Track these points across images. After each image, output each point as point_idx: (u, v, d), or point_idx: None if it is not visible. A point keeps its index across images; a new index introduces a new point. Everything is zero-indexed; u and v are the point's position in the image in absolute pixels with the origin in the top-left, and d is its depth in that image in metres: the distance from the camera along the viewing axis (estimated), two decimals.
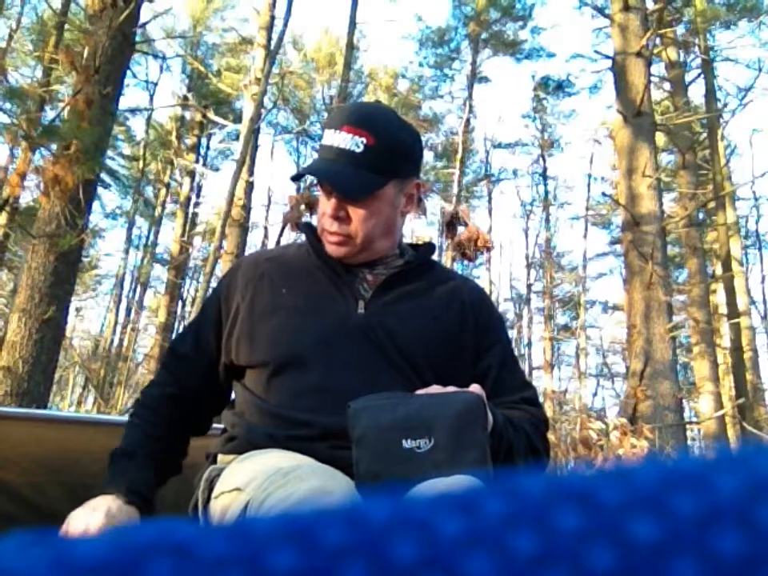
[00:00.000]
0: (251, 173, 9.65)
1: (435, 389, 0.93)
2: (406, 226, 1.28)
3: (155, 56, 11.01)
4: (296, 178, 1.18)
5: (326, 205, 1.10)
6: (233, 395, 1.18)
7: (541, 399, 1.20)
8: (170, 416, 1.16)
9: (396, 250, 1.19)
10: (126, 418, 1.25)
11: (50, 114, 7.66)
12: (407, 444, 0.82)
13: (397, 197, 1.13)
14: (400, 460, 0.82)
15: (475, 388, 0.93)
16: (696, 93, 13.09)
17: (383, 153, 1.08)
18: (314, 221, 1.22)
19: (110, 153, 12.03)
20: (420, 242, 1.26)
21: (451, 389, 0.91)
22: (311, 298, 1.10)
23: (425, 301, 1.14)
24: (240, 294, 1.15)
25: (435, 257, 1.27)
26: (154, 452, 1.10)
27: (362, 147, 1.06)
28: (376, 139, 1.07)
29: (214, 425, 1.26)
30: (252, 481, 0.87)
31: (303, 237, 1.24)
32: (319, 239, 1.18)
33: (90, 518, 0.99)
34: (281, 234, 5.68)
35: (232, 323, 1.14)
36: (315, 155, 1.14)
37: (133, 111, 13.96)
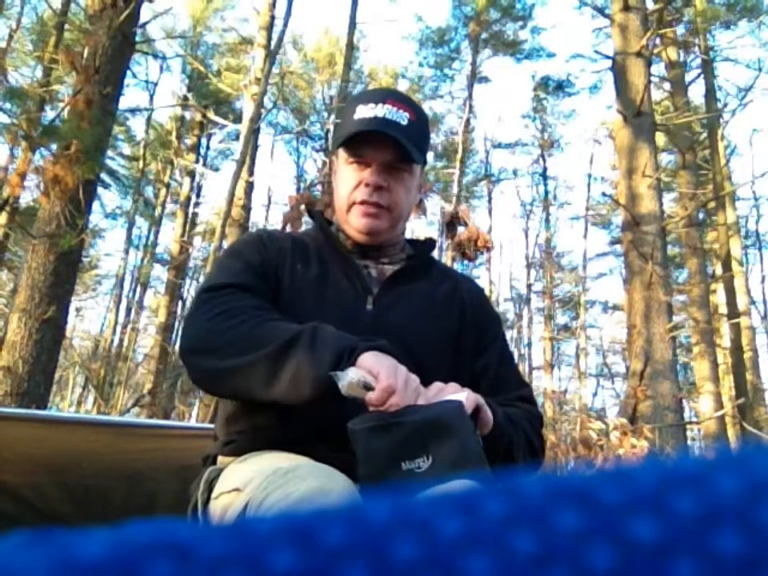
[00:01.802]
0: (251, 173, 9.65)
1: (436, 387, 0.92)
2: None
3: (155, 56, 11.01)
4: (344, 143, 1.08)
5: (362, 176, 1.09)
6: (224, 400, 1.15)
7: (541, 399, 1.20)
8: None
9: (402, 241, 1.20)
10: (125, 418, 1.23)
11: (50, 113, 7.67)
12: (406, 466, 0.83)
13: (418, 180, 1.16)
14: (399, 482, 0.82)
15: (459, 394, 0.92)
16: (696, 93, 13.09)
17: (421, 132, 1.11)
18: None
19: (110, 153, 12.04)
20: (420, 238, 1.26)
21: (433, 395, 0.91)
22: (324, 288, 1.10)
23: (428, 300, 1.14)
24: (272, 259, 1.10)
25: (435, 256, 1.28)
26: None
27: (406, 121, 1.08)
28: (416, 117, 1.10)
29: (212, 426, 1.25)
30: (251, 481, 0.87)
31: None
32: (330, 224, 1.19)
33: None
34: None
35: (274, 283, 1.08)
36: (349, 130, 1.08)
37: (133, 111, 13.96)
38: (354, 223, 1.11)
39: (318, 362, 0.87)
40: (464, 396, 0.91)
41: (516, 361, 1.29)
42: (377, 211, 1.09)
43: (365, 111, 1.08)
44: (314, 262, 1.12)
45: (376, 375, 0.85)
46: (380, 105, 1.07)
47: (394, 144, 1.06)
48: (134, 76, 11.41)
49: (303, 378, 0.87)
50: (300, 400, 0.89)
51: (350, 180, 1.11)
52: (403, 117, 1.07)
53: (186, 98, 13.92)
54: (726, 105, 12.35)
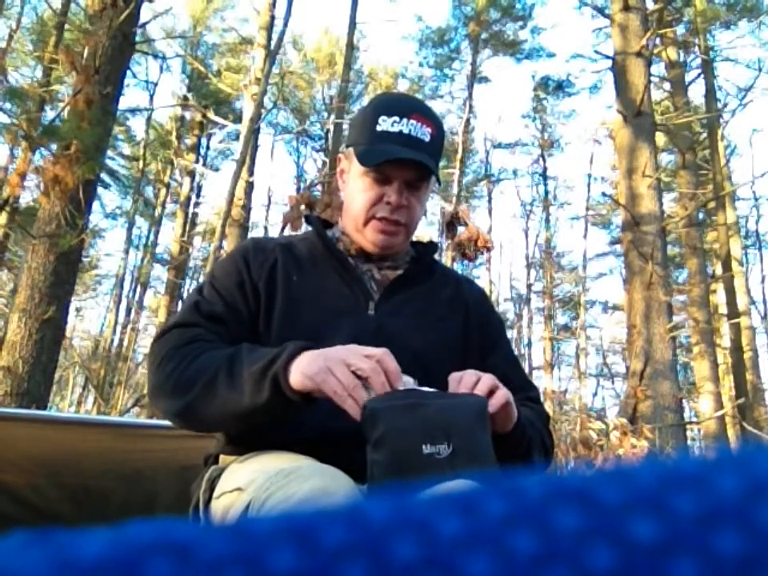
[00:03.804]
0: (251, 173, 9.65)
1: (454, 379, 0.92)
2: None
3: (155, 56, 11.00)
4: (377, 164, 1.07)
5: (381, 191, 1.08)
6: None
7: (541, 399, 1.21)
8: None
9: (407, 245, 1.20)
10: (125, 418, 1.23)
11: (50, 114, 7.67)
12: (427, 450, 0.80)
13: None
14: (419, 466, 0.80)
15: (485, 384, 0.92)
16: (696, 93, 13.08)
17: (439, 146, 1.11)
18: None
19: (110, 153, 12.03)
20: (422, 241, 1.26)
21: (463, 388, 0.91)
22: (322, 295, 1.09)
23: (431, 303, 1.14)
24: (257, 272, 1.09)
25: (435, 256, 1.27)
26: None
27: (428, 137, 1.07)
28: (437, 132, 1.09)
29: None
30: (254, 481, 0.86)
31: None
32: (328, 226, 1.18)
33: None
34: (281, 235, 5.68)
35: (255, 299, 1.07)
36: (374, 141, 1.08)
37: (133, 111, 13.96)
38: (370, 237, 1.10)
39: (237, 398, 0.90)
40: (486, 386, 0.90)
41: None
42: (395, 228, 1.09)
43: (388, 124, 1.06)
44: (311, 270, 1.11)
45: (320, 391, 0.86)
46: (405, 119, 1.06)
47: (417, 163, 1.06)
48: (134, 76, 11.42)
49: (229, 415, 0.92)
50: (236, 430, 0.98)
51: (368, 193, 1.09)
52: (426, 133, 1.06)
53: (186, 98, 13.93)
54: (726, 105, 12.35)
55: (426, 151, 1.06)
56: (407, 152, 1.05)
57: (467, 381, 0.91)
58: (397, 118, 1.06)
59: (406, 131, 1.05)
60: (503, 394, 0.92)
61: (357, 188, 1.11)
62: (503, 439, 0.94)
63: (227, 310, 1.05)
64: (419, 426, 0.81)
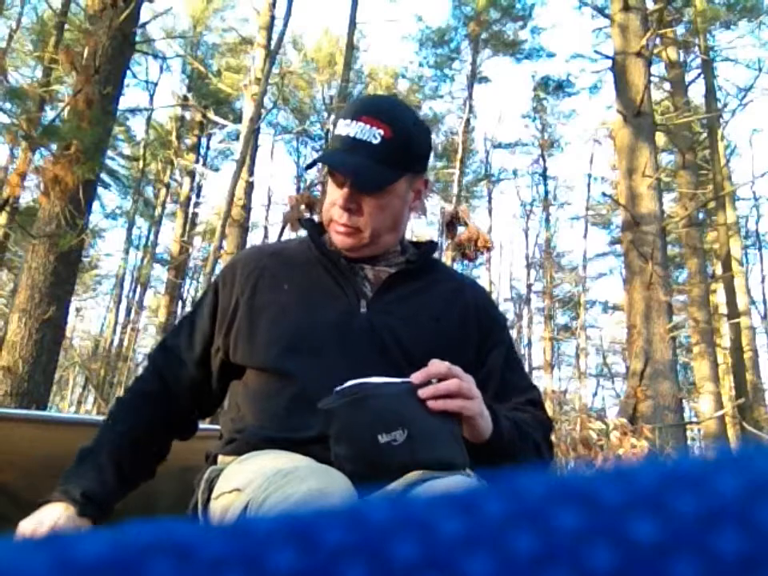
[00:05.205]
0: (251, 173, 9.65)
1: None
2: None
3: (155, 56, 11.01)
4: (309, 167, 1.15)
5: (337, 195, 1.07)
6: (227, 398, 1.17)
7: (542, 402, 1.20)
8: (149, 415, 1.14)
9: (398, 246, 1.18)
10: None
11: (50, 114, 7.67)
12: (383, 439, 0.83)
13: (407, 192, 1.12)
14: (378, 454, 0.83)
15: (437, 368, 0.89)
16: (696, 93, 13.08)
17: (399, 147, 1.06)
18: (317, 219, 1.21)
19: (110, 153, 12.03)
20: (422, 240, 1.25)
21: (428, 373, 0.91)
22: (313, 295, 1.09)
23: (426, 301, 1.13)
24: (240, 288, 1.12)
25: (435, 257, 1.27)
26: (123, 454, 1.10)
27: (378, 139, 1.03)
28: (393, 132, 1.05)
29: (213, 427, 1.25)
30: (252, 481, 0.87)
31: (303, 234, 1.23)
32: (321, 234, 1.17)
33: (37, 532, 0.97)
34: (281, 234, 5.68)
35: (231, 318, 1.11)
36: (326, 147, 1.14)
37: (133, 111, 13.96)
38: (332, 238, 1.12)
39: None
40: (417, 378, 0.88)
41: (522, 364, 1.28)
42: (347, 230, 1.08)
43: (341, 127, 1.06)
44: (303, 273, 1.12)
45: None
46: (354, 122, 1.04)
47: (340, 167, 1.05)
48: (134, 76, 11.41)
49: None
50: None
51: (329, 197, 1.11)
52: (376, 135, 1.03)
53: (185, 98, 13.93)
54: (726, 105, 12.36)
55: (371, 154, 1.03)
56: (337, 156, 1.05)
57: (433, 369, 0.89)
58: (348, 121, 1.05)
59: (351, 134, 1.04)
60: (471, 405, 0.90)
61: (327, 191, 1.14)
62: (481, 450, 0.92)
63: (187, 342, 1.17)
64: (370, 417, 0.84)
